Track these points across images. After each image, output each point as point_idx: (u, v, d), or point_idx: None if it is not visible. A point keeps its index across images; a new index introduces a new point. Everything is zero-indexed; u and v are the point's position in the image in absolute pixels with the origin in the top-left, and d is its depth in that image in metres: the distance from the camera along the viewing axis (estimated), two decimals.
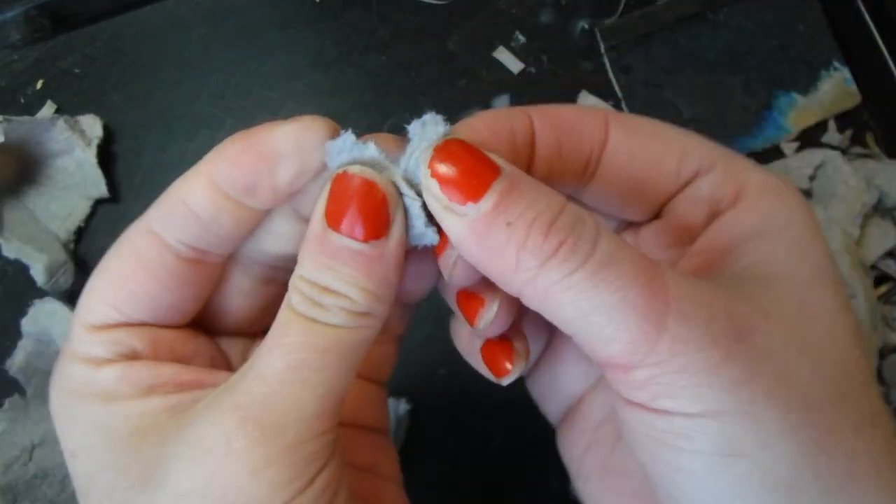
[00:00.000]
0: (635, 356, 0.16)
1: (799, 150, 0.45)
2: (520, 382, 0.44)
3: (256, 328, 0.22)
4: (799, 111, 0.45)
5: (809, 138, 0.45)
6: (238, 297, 0.21)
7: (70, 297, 0.42)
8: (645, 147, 0.19)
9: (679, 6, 0.46)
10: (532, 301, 0.16)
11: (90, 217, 0.43)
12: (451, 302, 0.21)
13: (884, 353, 0.41)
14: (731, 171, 0.19)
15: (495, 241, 0.16)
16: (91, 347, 0.18)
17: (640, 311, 0.16)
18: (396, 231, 0.17)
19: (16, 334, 0.40)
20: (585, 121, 0.19)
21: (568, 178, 0.20)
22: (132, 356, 0.19)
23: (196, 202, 0.18)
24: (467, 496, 0.41)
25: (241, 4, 0.46)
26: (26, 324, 0.40)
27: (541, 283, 0.16)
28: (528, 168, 0.19)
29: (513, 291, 0.17)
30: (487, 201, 0.16)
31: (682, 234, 0.20)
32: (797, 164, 0.43)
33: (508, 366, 0.21)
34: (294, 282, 0.17)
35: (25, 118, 0.42)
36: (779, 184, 0.19)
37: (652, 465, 0.17)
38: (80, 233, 0.43)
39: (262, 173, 0.18)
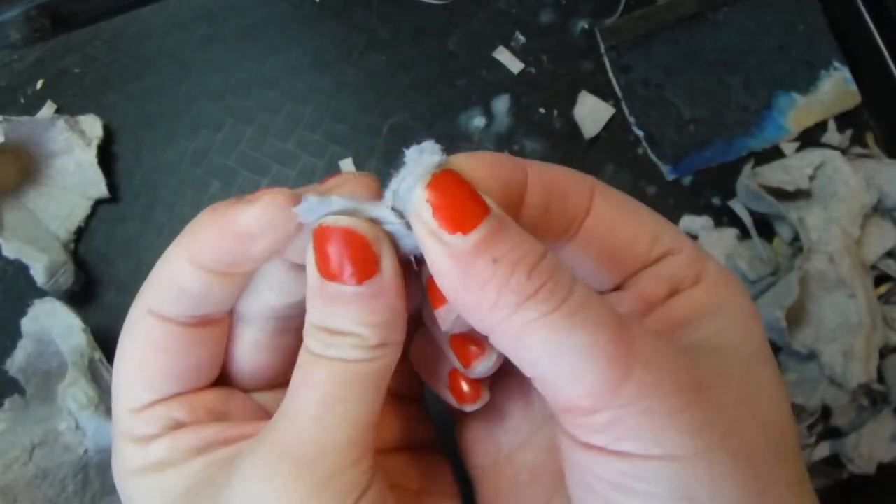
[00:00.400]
0: (600, 398, 0.16)
1: (799, 150, 0.45)
2: None
3: (288, 378, 0.23)
4: (799, 111, 0.45)
5: (809, 138, 0.45)
6: (261, 353, 0.22)
7: (70, 297, 0.42)
8: (624, 224, 0.21)
9: (679, 6, 0.46)
10: (503, 338, 0.17)
11: (90, 217, 0.43)
12: (443, 343, 0.21)
13: (884, 353, 0.41)
14: (694, 257, 0.21)
15: (479, 275, 0.17)
16: (137, 428, 0.20)
17: (609, 356, 0.16)
18: (387, 263, 0.18)
19: (16, 334, 0.40)
20: (574, 187, 0.20)
21: (549, 237, 0.21)
22: (176, 426, 0.20)
23: (184, 282, 0.20)
24: (467, 496, 0.41)
25: (241, 4, 0.46)
26: (26, 324, 0.40)
27: (516, 321, 0.17)
28: (515, 219, 0.20)
29: (483, 327, 0.17)
30: (476, 235, 0.17)
31: (640, 306, 0.21)
32: (797, 164, 0.43)
33: (481, 393, 0.22)
34: (307, 328, 0.19)
35: (25, 118, 0.42)
36: (729, 275, 0.22)
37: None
38: (80, 233, 0.43)
39: (239, 252, 0.19)
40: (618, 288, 0.22)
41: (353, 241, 0.18)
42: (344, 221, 0.18)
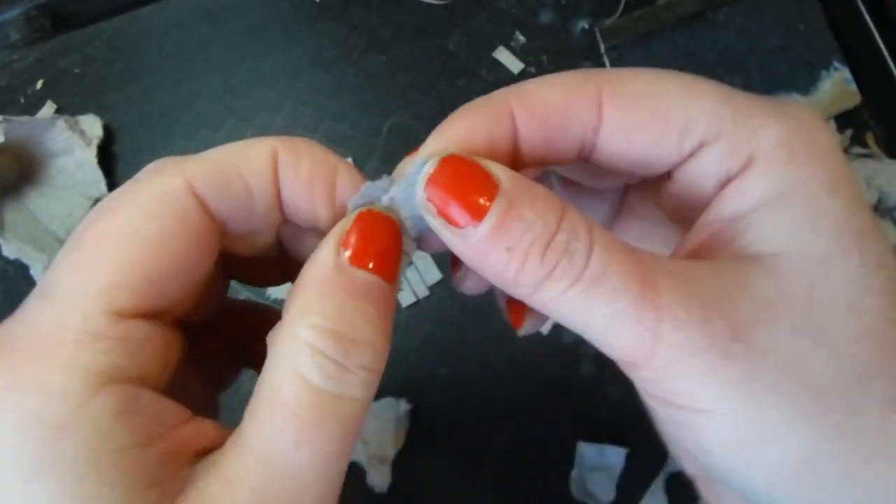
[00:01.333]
0: (637, 360, 0.16)
1: None
2: (518, 384, 0.44)
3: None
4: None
5: None
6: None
7: None
8: (643, 126, 0.18)
9: (679, 6, 0.46)
10: (537, 307, 0.17)
11: None
12: (499, 298, 0.21)
13: None
14: (738, 137, 0.18)
15: (495, 263, 0.16)
16: (107, 329, 0.16)
17: (633, 322, 0.16)
18: (399, 279, 0.18)
19: None
20: (575, 105, 0.18)
21: (559, 164, 0.20)
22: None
23: (255, 183, 0.17)
24: (467, 496, 0.41)
25: (241, 4, 0.46)
26: None
27: (538, 298, 0.17)
28: (514, 168, 0.19)
29: (515, 296, 0.17)
30: (486, 225, 0.16)
31: (689, 204, 0.19)
32: None
33: (532, 323, 0.21)
34: (304, 338, 0.16)
35: (25, 118, 0.42)
36: (794, 136, 0.17)
37: (676, 442, 0.18)
38: None
39: (323, 192, 0.18)
40: (668, 177, 0.20)
41: (396, 238, 0.17)
42: (394, 214, 0.18)
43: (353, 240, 0.17)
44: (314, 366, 0.16)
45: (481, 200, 0.16)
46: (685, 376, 0.16)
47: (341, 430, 0.16)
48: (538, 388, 0.41)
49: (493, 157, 0.18)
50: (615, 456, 0.40)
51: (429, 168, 0.17)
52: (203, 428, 0.17)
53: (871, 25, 0.45)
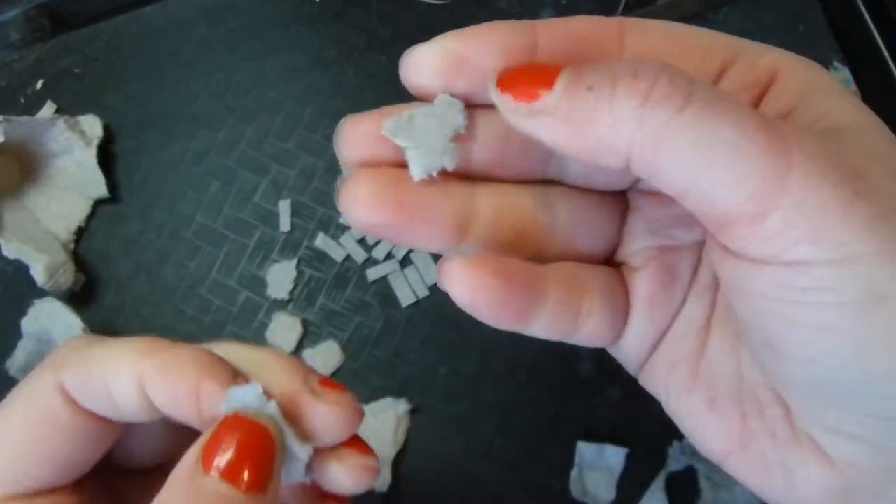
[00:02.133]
0: (767, 197, 0.14)
1: None
2: (518, 384, 0.44)
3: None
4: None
5: None
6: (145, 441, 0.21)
7: (70, 297, 0.42)
8: (666, 51, 0.18)
9: (679, 6, 0.46)
10: (643, 157, 0.15)
11: (90, 217, 0.43)
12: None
13: None
14: (758, 55, 0.18)
15: (583, 107, 0.15)
16: None
17: (765, 146, 0.14)
18: (274, 486, 0.17)
19: (16, 334, 0.40)
20: (597, 34, 0.18)
21: None
22: None
23: (120, 395, 0.18)
24: (467, 496, 0.41)
25: (241, 4, 0.46)
26: (26, 324, 0.40)
27: (649, 129, 0.14)
28: None
29: (619, 156, 0.15)
30: (559, 84, 0.15)
31: None
32: None
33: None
34: None
35: (25, 118, 0.42)
36: (806, 60, 0.18)
37: (785, 334, 0.16)
38: (80, 233, 0.43)
39: (190, 403, 0.18)
40: None
41: (265, 444, 0.16)
42: (266, 420, 0.17)
43: (210, 447, 0.16)
44: None
45: (547, 75, 0.16)
46: (823, 210, 0.14)
47: None
48: (538, 389, 0.41)
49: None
50: (615, 456, 0.40)
51: (493, 77, 0.16)
52: None
53: (871, 25, 0.45)
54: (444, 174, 0.18)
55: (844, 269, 0.14)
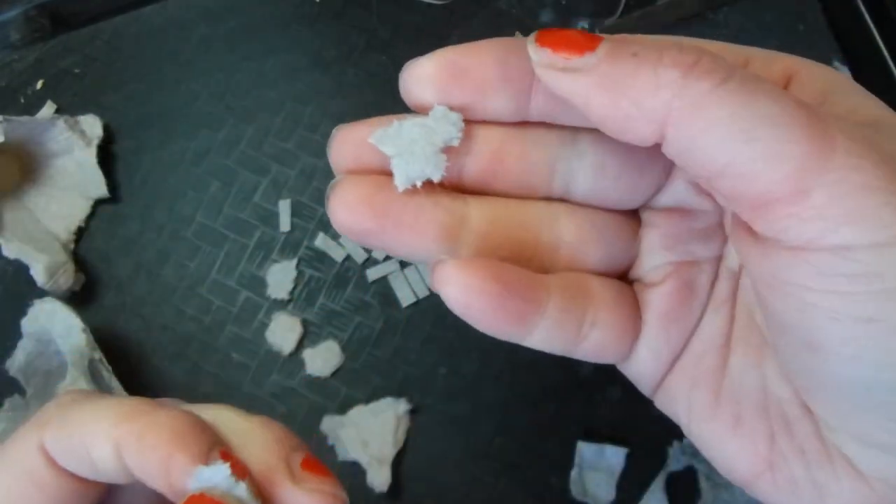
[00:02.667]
0: (811, 173, 0.14)
1: None
2: (518, 384, 0.44)
3: None
4: None
5: None
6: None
7: (70, 297, 0.42)
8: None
9: (679, 6, 0.46)
10: (679, 126, 0.15)
11: (90, 217, 0.43)
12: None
13: None
14: (768, 61, 0.18)
15: (625, 69, 0.15)
16: None
17: (806, 123, 0.14)
18: None
19: (16, 334, 0.40)
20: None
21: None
22: None
23: (99, 458, 0.18)
24: (467, 496, 0.41)
25: (241, 4, 0.46)
26: (26, 324, 0.40)
27: (690, 96, 0.14)
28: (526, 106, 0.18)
29: (654, 125, 0.15)
30: (603, 47, 0.15)
31: None
32: None
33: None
34: None
35: (25, 118, 0.42)
36: (812, 61, 0.18)
37: (828, 329, 0.15)
38: (80, 233, 0.43)
39: (161, 475, 0.18)
40: None
41: None
42: (231, 502, 0.17)
43: None
44: None
45: (590, 38, 0.15)
46: (867, 189, 0.13)
47: None
48: (538, 388, 0.41)
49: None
50: (615, 456, 0.40)
51: (532, 35, 0.16)
52: None
53: (871, 25, 0.45)
54: (432, 185, 0.18)
55: (890, 252, 0.14)
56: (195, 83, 0.45)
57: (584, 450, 0.40)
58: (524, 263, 0.19)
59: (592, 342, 0.19)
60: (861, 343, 0.14)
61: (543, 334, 0.18)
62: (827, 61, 0.46)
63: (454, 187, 0.19)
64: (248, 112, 0.45)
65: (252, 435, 0.19)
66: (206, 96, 0.45)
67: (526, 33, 0.46)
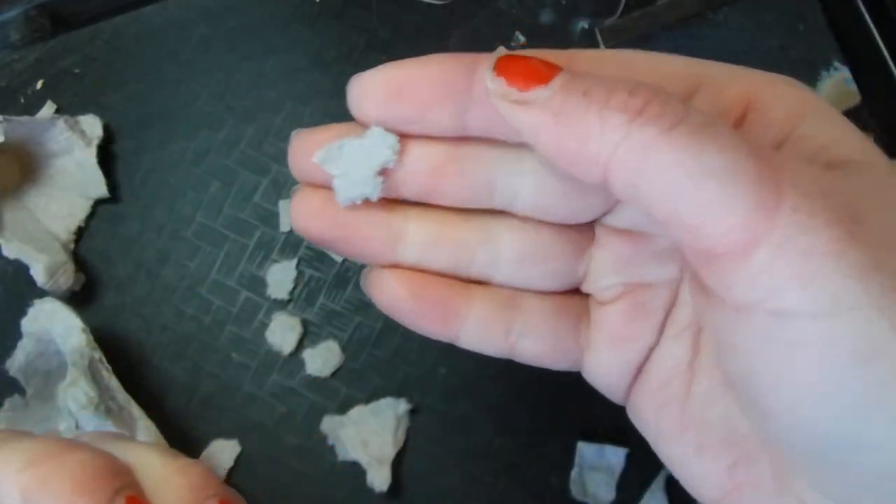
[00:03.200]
0: (754, 233, 0.13)
1: None
2: (518, 384, 0.44)
3: None
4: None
5: None
6: None
7: (70, 297, 0.42)
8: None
9: (679, 6, 0.46)
10: (625, 167, 0.14)
11: (90, 217, 0.43)
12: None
13: None
14: (721, 83, 0.17)
15: (573, 110, 0.14)
16: None
17: (754, 176, 0.13)
18: None
19: (16, 334, 0.40)
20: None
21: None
22: None
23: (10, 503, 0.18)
24: (467, 496, 0.41)
25: (241, 4, 0.46)
26: (26, 324, 0.40)
27: (635, 142, 0.14)
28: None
29: (598, 167, 0.14)
30: (558, 80, 0.15)
31: None
32: None
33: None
34: None
35: (25, 118, 0.42)
36: (776, 77, 0.17)
37: (772, 394, 0.15)
38: (80, 233, 0.43)
39: None
40: None
41: None
42: None
43: None
44: None
45: (548, 68, 0.15)
46: (812, 254, 0.13)
47: None
48: (538, 388, 0.41)
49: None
50: (615, 456, 0.40)
51: (490, 61, 0.16)
52: None
53: (871, 25, 0.45)
54: (370, 202, 0.20)
55: (834, 321, 0.13)
56: (195, 83, 0.45)
57: (584, 450, 0.40)
58: (460, 276, 0.20)
59: (526, 349, 0.21)
60: (806, 410, 0.14)
61: (470, 338, 0.21)
62: (827, 61, 0.46)
63: (395, 200, 0.20)
64: (248, 112, 0.45)
65: (167, 481, 0.19)
66: (206, 96, 0.45)
67: (526, 33, 0.46)
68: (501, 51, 0.17)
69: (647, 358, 0.20)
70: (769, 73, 0.18)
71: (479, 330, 0.21)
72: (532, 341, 0.20)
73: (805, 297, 0.13)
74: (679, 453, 0.19)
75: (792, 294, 0.13)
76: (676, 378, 0.19)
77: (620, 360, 0.20)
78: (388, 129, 0.19)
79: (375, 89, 0.18)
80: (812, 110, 0.17)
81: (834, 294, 0.13)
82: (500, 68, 0.16)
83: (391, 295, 0.20)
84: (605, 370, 0.21)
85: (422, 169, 0.19)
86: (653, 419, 0.20)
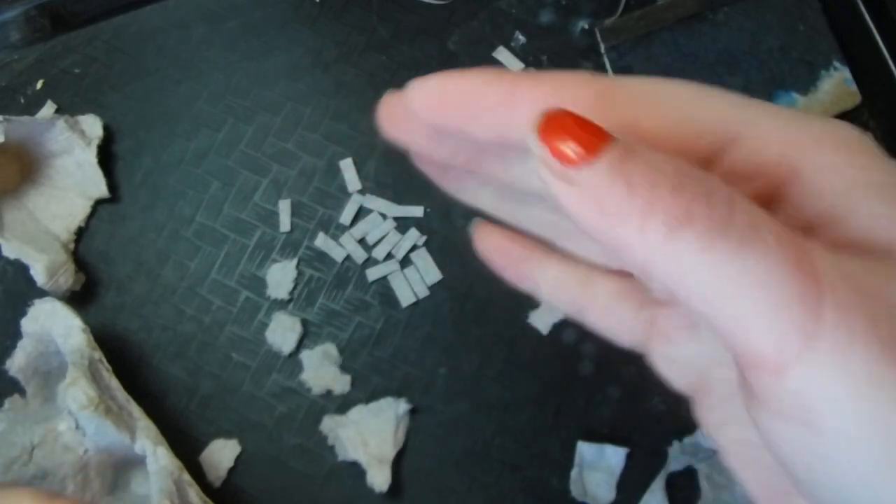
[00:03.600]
0: (789, 353, 0.13)
1: None
2: (518, 384, 0.44)
3: None
4: (799, 111, 0.45)
5: None
6: None
7: (70, 297, 0.42)
8: (645, 130, 0.17)
9: (679, 6, 0.46)
10: (662, 269, 0.14)
11: (90, 217, 0.43)
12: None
13: None
14: (764, 135, 0.16)
15: (616, 205, 0.14)
16: None
17: (795, 297, 0.13)
18: None
19: (16, 334, 0.40)
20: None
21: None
22: None
23: None
24: (467, 496, 0.41)
25: (241, 4, 0.46)
26: (26, 324, 0.40)
27: (673, 249, 0.13)
28: None
29: (637, 261, 0.14)
30: (604, 163, 0.14)
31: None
32: None
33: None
34: None
35: (25, 118, 0.42)
36: (831, 130, 0.16)
37: (806, 483, 0.15)
38: (80, 233, 0.43)
39: None
40: None
41: None
42: None
43: None
44: None
45: (597, 142, 0.14)
46: (848, 376, 0.13)
47: None
48: (538, 388, 0.41)
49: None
50: (615, 456, 0.40)
51: (536, 121, 0.15)
52: None
53: (871, 25, 0.45)
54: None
55: (866, 444, 0.13)
56: (195, 83, 0.45)
57: (584, 450, 0.40)
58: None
59: (601, 308, 0.20)
60: (830, 494, 0.14)
61: (550, 286, 0.21)
62: (827, 61, 0.46)
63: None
64: (248, 112, 0.45)
65: None
66: (206, 96, 0.45)
67: (526, 33, 0.46)
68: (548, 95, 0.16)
69: (704, 378, 0.19)
70: (820, 121, 0.16)
71: (557, 280, 0.21)
72: (607, 301, 0.20)
73: (839, 419, 0.13)
74: (738, 467, 0.19)
75: (825, 416, 0.13)
76: (737, 398, 0.19)
77: (683, 368, 0.20)
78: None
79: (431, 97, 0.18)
80: (863, 183, 0.15)
81: (867, 417, 0.13)
82: (546, 133, 0.15)
83: (483, 246, 0.22)
84: (667, 367, 0.20)
85: None
86: (714, 431, 0.19)
